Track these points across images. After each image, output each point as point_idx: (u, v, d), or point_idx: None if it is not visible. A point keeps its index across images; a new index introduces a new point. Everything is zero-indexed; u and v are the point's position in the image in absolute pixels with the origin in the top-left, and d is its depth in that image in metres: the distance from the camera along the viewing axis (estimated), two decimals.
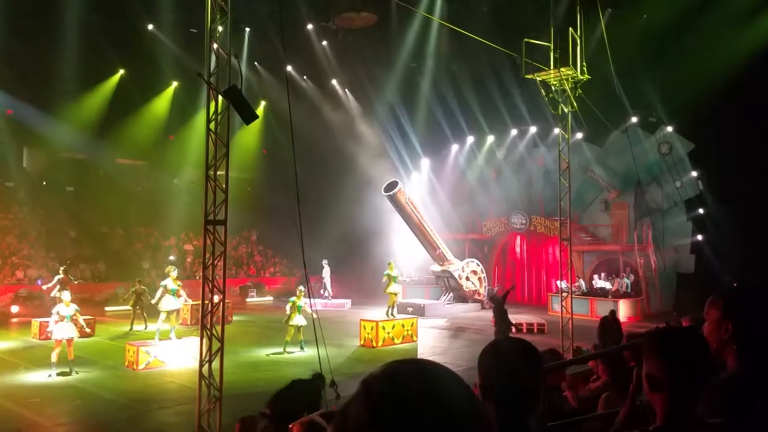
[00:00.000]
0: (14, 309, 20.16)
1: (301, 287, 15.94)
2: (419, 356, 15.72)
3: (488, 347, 1.95)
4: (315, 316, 9.04)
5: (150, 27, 25.21)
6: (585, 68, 15.16)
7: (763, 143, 19.36)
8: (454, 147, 31.08)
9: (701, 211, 24.37)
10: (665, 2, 20.30)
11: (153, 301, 16.13)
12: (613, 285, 23.82)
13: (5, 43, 21.81)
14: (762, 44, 19.87)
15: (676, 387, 1.81)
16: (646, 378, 1.88)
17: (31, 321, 17.52)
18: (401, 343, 17.20)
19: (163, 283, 15.87)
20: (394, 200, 22.90)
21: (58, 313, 12.81)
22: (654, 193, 25.23)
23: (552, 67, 15.11)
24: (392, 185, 22.74)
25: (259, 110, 29.15)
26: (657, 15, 20.80)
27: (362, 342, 16.92)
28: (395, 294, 19.13)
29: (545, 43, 15.15)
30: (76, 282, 18.87)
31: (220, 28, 9.69)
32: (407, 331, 17.67)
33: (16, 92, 25.72)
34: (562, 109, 15.40)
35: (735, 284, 17.94)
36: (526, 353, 1.90)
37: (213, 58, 9.59)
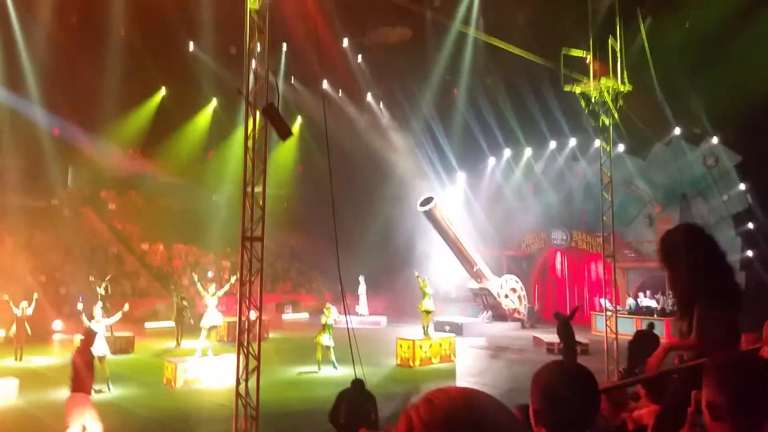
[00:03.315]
0: (57, 326, 20.44)
1: (329, 305, 15.75)
2: (458, 377, 15.42)
3: (544, 371, 1.85)
4: (347, 328, 8.82)
5: (191, 47, 25.84)
6: (626, 79, 14.82)
7: None
8: (491, 160, 30.76)
9: (751, 225, 23.54)
10: (708, 9, 19.76)
11: (202, 289, 16.01)
12: (658, 303, 23.11)
13: (51, 65, 22.53)
14: None
15: (739, 416, 1.67)
16: (707, 407, 1.73)
17: (72, 337, 17.74)
18: (439, 362, 16.88)
19: (205, 299, 15.98)
20: (430, 216, 22.69)
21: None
22: (700, 208, 24.51)
23: (591, 78, 14.82)
24: (428, 200, 22.56)
25: (295, 126, 29.52)
26: (700, 22, 20.25)
27: (399, 361, 16.64)
28: (429, 311, 18.69)
29: (584, 54, 14.88)
30: (102, 292, 18.79)
31: (258, 47, 9.76)
32: (445, 350, 17.33)
33: (61, 112, 26.47)
34: (602, 121, 15.06)
35: None
36: (582, 380, 1.82)
37: (251, 76, 9.65)
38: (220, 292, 16.15)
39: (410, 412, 0.88)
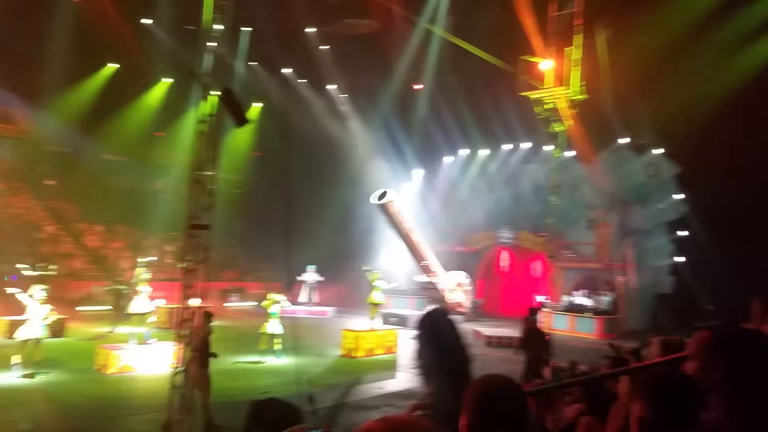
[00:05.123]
0: None
1: (272, 294, 15.57)
2: (399, 368, 15.47)
3: (475, 388, 1.93)
4: (292, 318, 8.77)
5: (146, 21, 24.90)
6: (580, 88, 15.16)
7: (749, 170, 19.51)
8: (448, 159, 31.10)
9: (683, 233, 24.53)
10: (663, 26, 20.40)
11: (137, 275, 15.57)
12: (592, 302, 24.08)
13: None
14: (754, 73, 20.10)
15: (664, 429, 1.83)
16: (636, 421, 1.87)
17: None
18: (383, 354, 16.96)
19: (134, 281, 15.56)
20: (384, 209, 22.72)
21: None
22: (639, 214, 25.48)
23: (547, 85, 15.11)
24: (383, 195, 22.56)
25: (255, 110, 29.07)
26: (654, 38, 20.90)
27: (343, 351, 16.64)
28: (378, 304, 18.89)
29: (542, 60, 15.16)
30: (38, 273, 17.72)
31: (217, 27, 9.41)
32: (389, 341, 17.46)
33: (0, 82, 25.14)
34: (554, 127, 15.38)
35: (711, 307, 17.82)
36: (515, 394, 1.92)
37: (208, 57, 9.33)
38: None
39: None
